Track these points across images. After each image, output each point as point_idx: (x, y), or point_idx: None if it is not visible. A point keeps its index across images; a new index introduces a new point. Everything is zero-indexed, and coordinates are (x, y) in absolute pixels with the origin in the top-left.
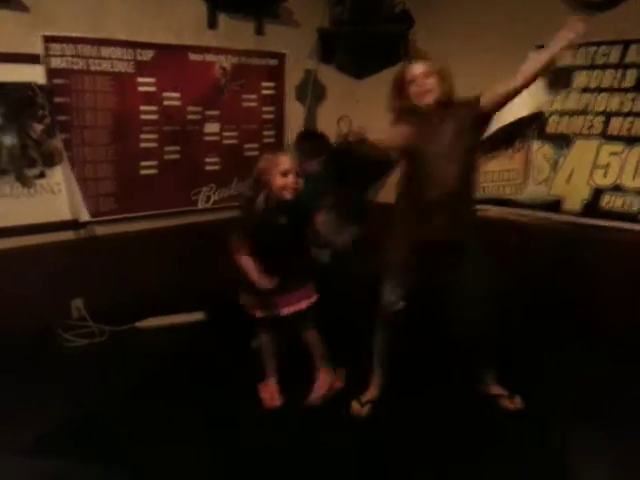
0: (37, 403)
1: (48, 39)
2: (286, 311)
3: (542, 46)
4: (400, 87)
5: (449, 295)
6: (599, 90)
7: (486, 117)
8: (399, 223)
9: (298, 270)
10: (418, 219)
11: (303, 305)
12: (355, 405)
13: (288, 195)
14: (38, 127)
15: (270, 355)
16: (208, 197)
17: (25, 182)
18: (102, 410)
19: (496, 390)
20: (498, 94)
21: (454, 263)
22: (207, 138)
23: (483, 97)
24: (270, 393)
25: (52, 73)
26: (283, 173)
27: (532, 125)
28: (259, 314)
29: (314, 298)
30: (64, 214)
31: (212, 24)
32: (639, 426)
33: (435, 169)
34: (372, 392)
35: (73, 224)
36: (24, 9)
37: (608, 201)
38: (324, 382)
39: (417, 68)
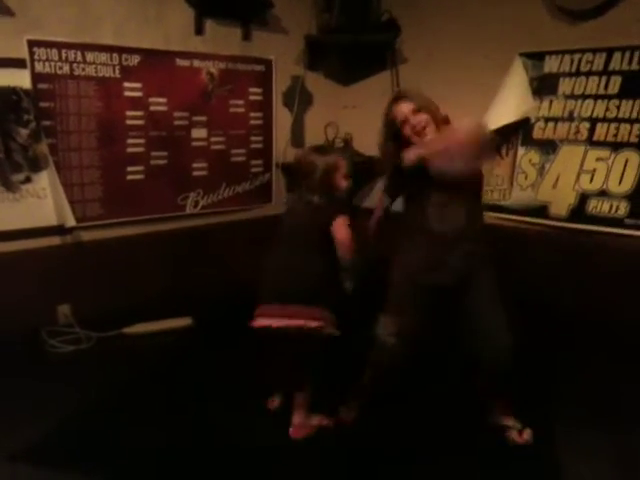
0: (22, 410)
1: (33, 43)
2: (274, 323)
3: (526, 54)
4: (393, 130)
5: (464, 324)
6: (584, 97)
7: None
8: (402, 259)
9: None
10: (422, 262)
11: (294, 323)
12: (342, 410)
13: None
14: (24, 132)
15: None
16: (196, 202)
17: (10, 187)
18: (88, 417)
19: (506, 421)
20: None
21: (464, 295)
22: (194, 143)
23: None
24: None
25: (37, 78)
26: (345, 176)
27: (518, 131)
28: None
29: (314, 323)
30: (50, 219)
31: (199, 30)
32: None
33: (444, 208)
34: (360, 398)
35: (59, 229)
36: (9, 13)
37: (594, 206)
38: (300, 426)
39: (404, 107)
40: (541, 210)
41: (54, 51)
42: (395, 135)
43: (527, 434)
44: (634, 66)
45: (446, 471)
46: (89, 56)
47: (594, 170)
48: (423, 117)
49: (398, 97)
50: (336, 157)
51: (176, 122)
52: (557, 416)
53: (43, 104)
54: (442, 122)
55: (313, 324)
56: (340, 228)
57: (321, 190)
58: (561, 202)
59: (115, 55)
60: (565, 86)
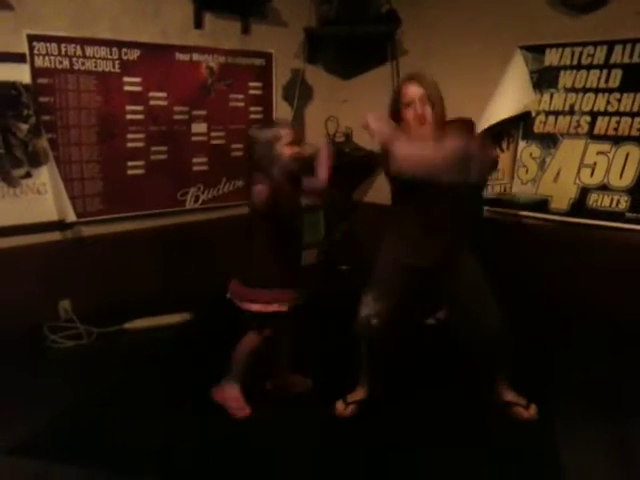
0: (23, 404)
1: (32, 38)
2: (290, 306)
3: (526, 47)
4: (395, 106)
5: (453, 308)
6: (585, 90)
7: None
8: (389, 244)
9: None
10: (408, 247)
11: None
12: (339, 405)
13: (297, 163)
14: (23, 127)
15: (249, 358)
16: (197, 197)
17: (11, 182)
18: (89, 411)
19: (510, 397)
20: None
21: (448, 280)
22: (194, 138)
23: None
24: (236, 400)
25: (37, 72)
26: (289, 145)
27: (519, 125)
28: (267, 308)
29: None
30: (50, 215)
31: (198, 24)
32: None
33: (425, 209)
34: (359, 393)
35: (60, 225)
36: (9, 8)
37: (595, 200)
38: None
39: (414, 91)
40: (542, 204)
41: (54, 45)
42: (396, 113)
43: (533, 409)
44: (635, 59)
45: (448, 462)
46: (89, 50)
47: (595, 164)
48: (429, 110)
49: (412, 78)
50: (276, 129)
51: (176, 117)
52: (557, 409)
53: (43, 99)
54: (438, 122)
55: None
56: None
57: (265, 165)
58: (562, 196)
59: (115, 49)
60: (566, 79)
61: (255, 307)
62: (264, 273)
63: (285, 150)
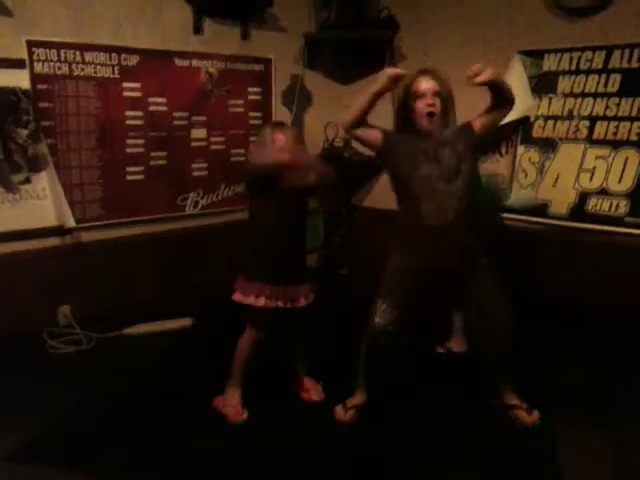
0: (22, 410)
1: (32, 44)
2: (296, 304)
3: (525, 52)
4: (405, 98)
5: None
6: (583, 95)
7: (480, 143)
8: (399, 248)
9: (304, 261)
10: (418, 249)
11: (303, 302)
12: (339, 410)
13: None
14: (23, 132)
15: (247, 361)
16: (196, 202)
17: (10, 188)
18: (87, 418)
19: (513, 400)
20: (486, 119)
21: (460, 286)
22: (194, 144)
23: (474, 123)
24: (235, 406)
25: (36, 78)
26: (280, 150)
27: (518, 130)
28: (261, 303)
29: (312, 297)
30: (50, 220)
31: (198, 29)
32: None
33: (434, 198)
34: (358, 398)
35: (59, 230)
36: (8, 13)
37: (594, 205)
38: (314, 388)
39: (427, 84)
40: (541, 209)
41: (53, 51)
42: (404, 105)
43: (535, 415)
44: (634, 64)
45: (446, 466)
46: (88, 56)
47: (594, 168)
48: (439, 104)
49: (427, 72)
50: (271, 132)
51: (175, 122)
52: (555, 413)
53: (42, 104)
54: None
55: None
56: None
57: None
58: (561, 201)
59: (114, 55)
60: (564, 84)
61: (235, 296)
62: (246, 265)
63: (274, 154)
